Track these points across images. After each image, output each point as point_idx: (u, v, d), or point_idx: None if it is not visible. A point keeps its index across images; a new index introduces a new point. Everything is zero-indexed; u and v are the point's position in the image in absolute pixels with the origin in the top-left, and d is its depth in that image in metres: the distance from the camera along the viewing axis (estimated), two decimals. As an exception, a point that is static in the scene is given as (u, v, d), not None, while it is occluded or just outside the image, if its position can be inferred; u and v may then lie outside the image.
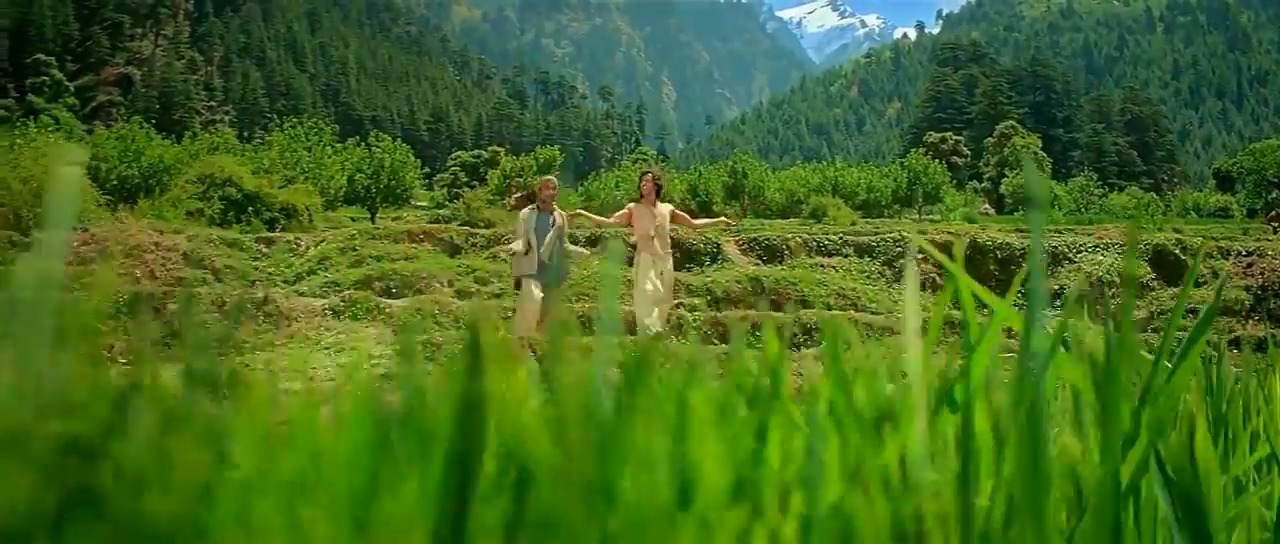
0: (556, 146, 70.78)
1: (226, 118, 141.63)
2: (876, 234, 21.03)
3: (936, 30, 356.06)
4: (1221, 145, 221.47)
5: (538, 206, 12.70)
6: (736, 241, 20.80)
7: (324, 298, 13.90)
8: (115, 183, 36.33)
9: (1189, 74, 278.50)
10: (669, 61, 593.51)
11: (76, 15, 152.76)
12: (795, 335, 14.13)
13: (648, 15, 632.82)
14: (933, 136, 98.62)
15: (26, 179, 24.15)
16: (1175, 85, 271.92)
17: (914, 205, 59.94)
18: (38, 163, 25.45)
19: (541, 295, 12.29)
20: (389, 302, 13.64)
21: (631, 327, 12.75)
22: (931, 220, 50.88)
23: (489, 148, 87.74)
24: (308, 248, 20.56)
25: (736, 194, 55.47)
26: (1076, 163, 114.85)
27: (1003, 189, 77.96)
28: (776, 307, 17.08)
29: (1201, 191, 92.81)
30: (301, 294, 15.03)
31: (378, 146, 47.99)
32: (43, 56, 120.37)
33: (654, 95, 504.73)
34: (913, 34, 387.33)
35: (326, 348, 10.85)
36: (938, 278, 19.47)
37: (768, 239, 21.04)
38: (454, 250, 19.66)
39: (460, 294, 15.80)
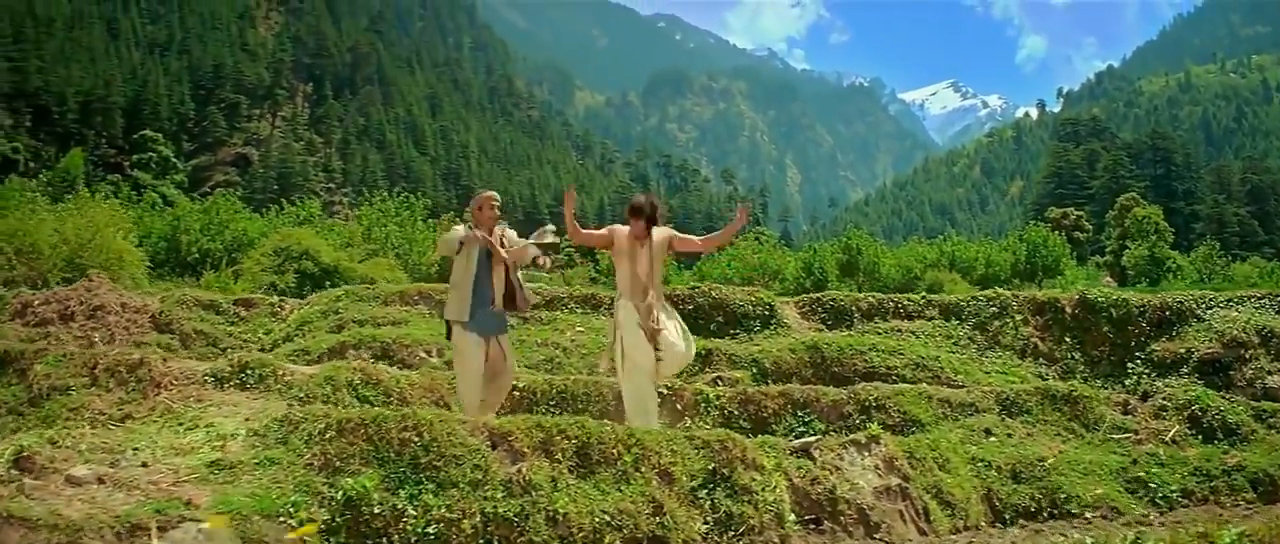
0: (672, 226, 67.27)
1: (345, 199, 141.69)
2: (967, 296, 18.03)
3: (1057, 108, 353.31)
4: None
5: (472, 228, 10.18)
6: (795, 304, 18.33)
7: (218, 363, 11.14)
8: (197, 255, 35.17)
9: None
10: (792, 145, 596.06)
11: (193, 95, 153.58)
12: (854, 414, 11.35)
13: (771, 100, 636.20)
14: (1054, 212, 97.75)
15: (57, 244, 23.61)
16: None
17: (1034, 279, 58.14)
18: (71, 227, 24.78)
19: (479, 349, 9.88)
20: (300, 368, 10.95)
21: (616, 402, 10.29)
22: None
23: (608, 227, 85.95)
24: (291, 312, 18.88)
25: (851, 271, 52.63)
26: (1198, 234, 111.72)
27: (1125, 261, 74.98)
28: (839, 381, 14.01)
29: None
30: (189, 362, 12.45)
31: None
32: (150, 132, 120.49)
33: (778, 178, 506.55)
34: (1034, 113, 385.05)
35: (182, 424, 8.36)
36: (1040, 343, 16.53)
37: (833, 300, 18.24)
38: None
39: (451, 366, 13.06)
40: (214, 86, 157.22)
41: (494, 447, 7.60)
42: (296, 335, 16.87)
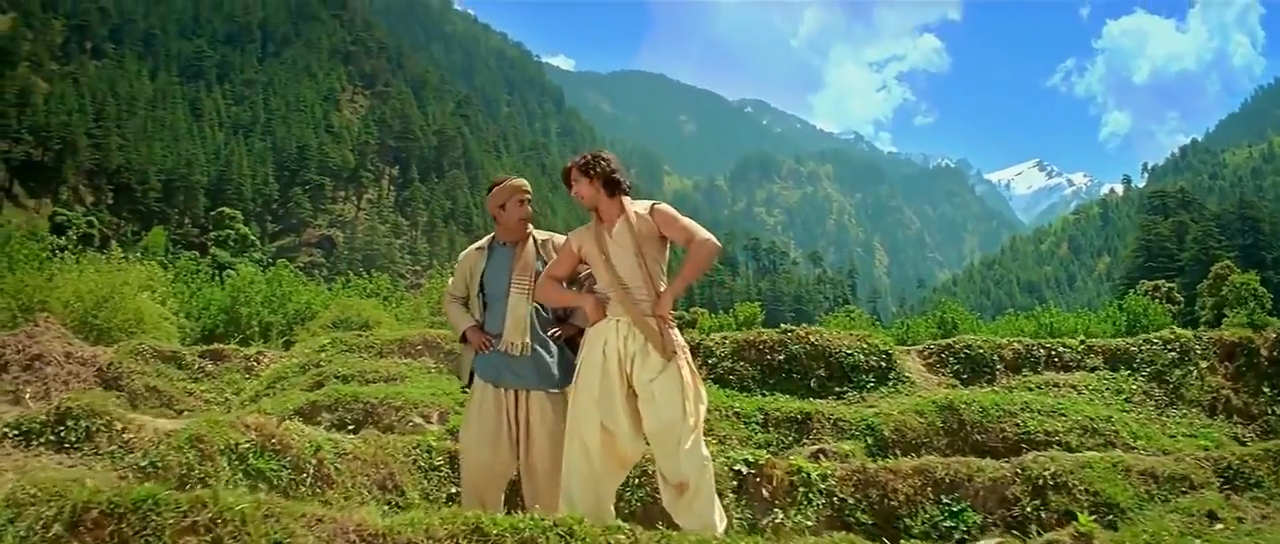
0: (757, 304, 67.30)
1: (428, 281, 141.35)
2: (1138, 339, 14.06)
3: (1142, 183, 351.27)
4: None
5: (494, 238, 6.97)
6: (920, 353, 14.03)
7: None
8: (257, 328, 33.10)
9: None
10: (879, 227, 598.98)
11: (277, 176, 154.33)
12: (1022, 497, 7.85)
13: (858, 182, 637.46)
14: (1145, 285, 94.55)
15: (70, 303, 22.09)
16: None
17: None
18: (85, 283, 23.13)
19: (488, 406, 6.55)
20: (160, 422, 7.48)
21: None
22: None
23: (691, 309, 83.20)
24: (268, 365, 15.87)
25: None
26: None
27: (1223, 331, 70.80)
28: (982, 453, 9.81)
29: None
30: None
31: None
32: (228, 210, 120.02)
33: (865, 260, 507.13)
34: (1119, 189, 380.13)
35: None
36: (1233, 395, 12.78)
37: (969, 349, 14.03)
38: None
39: (454, 440, 9.68)
40: (298, 168, 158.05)
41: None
42: (267, 393, 13.84)
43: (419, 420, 10.95)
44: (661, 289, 6.25)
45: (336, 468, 7.00)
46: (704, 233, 6.24)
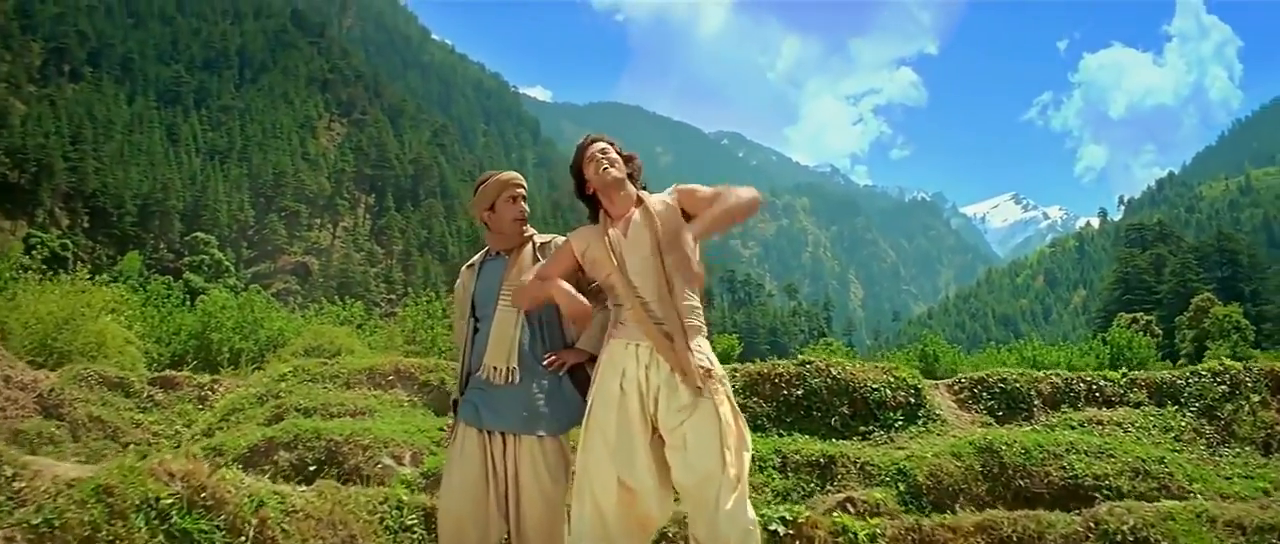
0: (735, 336, 67.07)
1: (402, 309, 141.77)
2: (1184, 371, 12.93)
3: (1118, 216, 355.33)
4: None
5: (487, 251, 5.72)
6: (949, 388, 12.88)
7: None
8: (227, 355, 31.99)
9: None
10: (855, 259, 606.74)
11: (253, 202, 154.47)
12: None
13: (834, 215, 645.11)
14: (1124, 318, 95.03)
15: (30, 324, 21.64)
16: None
17: None
18: (45, 306, 22.59)
19: (470, 453, 5.17)
20: (63, 466, 5.98)
21: None
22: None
23: None
24: (224, 394, 14.52)
25: (930, 376, 48.44)
26: (1266, 334, 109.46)
27: (1206, 361, 71.46)
28: (1026, 498, 8.88)
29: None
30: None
31: None
32: (202, 235, 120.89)
33: (841, 293, 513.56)
34: (1095, 222, 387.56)
35: None
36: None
37: (1003, 383, 12.92)
38: (445, 402, 11.71)
39: (428, 484, 8.36)
40: (274, 194, 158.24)
41: None
42: (220, 426, 12.47)
43: (389, 462, 9.47)
44: (692, 305, 5.00)
45: (283, 529, 5.61)
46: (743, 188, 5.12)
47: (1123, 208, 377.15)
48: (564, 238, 5.50)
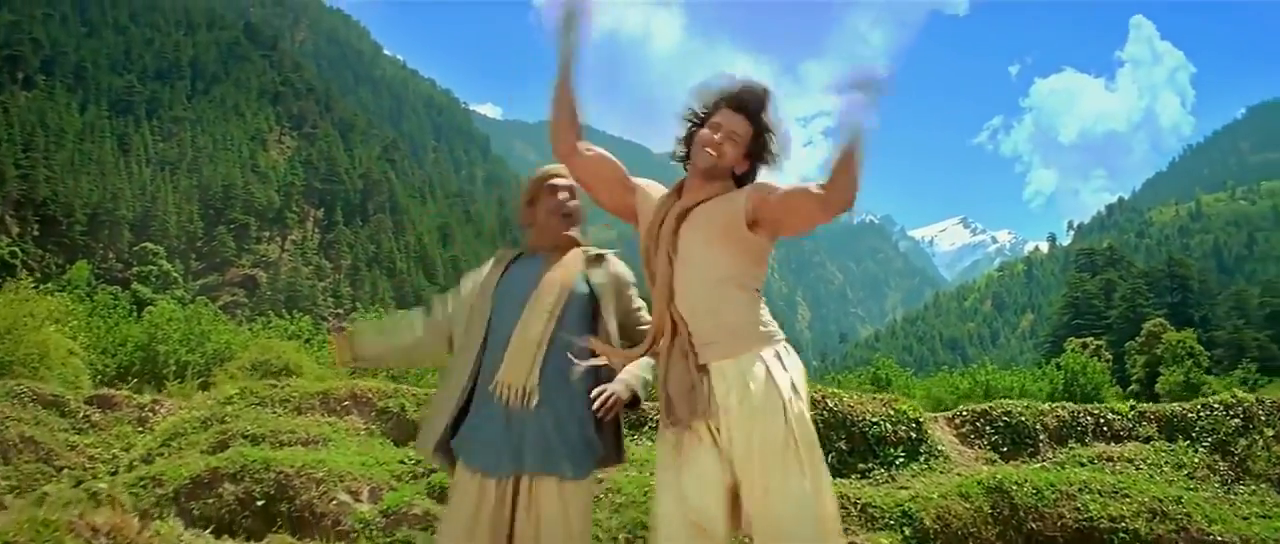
0: None
1: (352, 326, 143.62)
2: (1195, 404, 12.37)
3: (1067, 241, 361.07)
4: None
5: (524, 244, 4.89)
6: (950, 421, 12.20)
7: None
8: (174, 367, 31.38)
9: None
10: (802, 281, 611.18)
11: (202, 214, 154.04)
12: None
13: (782, 238, 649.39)
14: (1074, 342, 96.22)
15: None
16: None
17: None
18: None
19: (474, 498, 4.18)
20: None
21: None
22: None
23: None
24: (166, 416, 13.43)
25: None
26: (1215, 360, 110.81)
27: (1158, 387, 72.91)
28: (1040, 542, 8.41)
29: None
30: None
31: None
32: (151, 245, 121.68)
33: (788, 314, 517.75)
34: (1044, 246, 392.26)
35: None
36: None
37: (1007, 416, 12.05)
38: (406, 431, 11.60)
39: (388, 523, 7.67)
40: (224, 207, 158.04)
41: None
42: (161, 452, 11.55)
43: (345, 498, 8.50)
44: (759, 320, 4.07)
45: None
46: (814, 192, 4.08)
47: (1072, 232, 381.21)
48: (624, 268, 4.79)
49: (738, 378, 3.89)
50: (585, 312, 4.47)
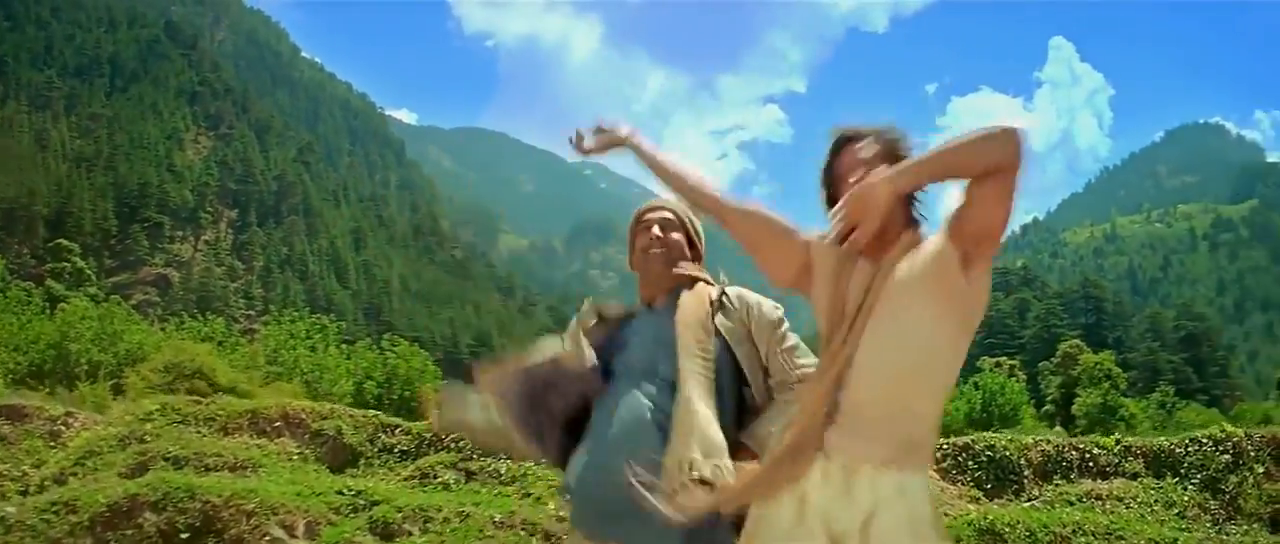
0: None
1: (264, 326, 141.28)
2: (1182, 439, 12.38)
3: None
4: (1266, 357, 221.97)
5: (642, 298, 4.11)
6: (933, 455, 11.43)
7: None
8: (86, 366, 31.70)
9: (1234, 289, 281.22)
10: None
11: (117, 212, 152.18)
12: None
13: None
14: (987, 362, 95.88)
15: None
16: (1219, 302, 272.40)
17: (990, 430, 54.86)
18: None
19: None
20: None
21: None
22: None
23: None
24: (80, 430, 12.86)
25: None
26: (1131, 383, 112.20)
27: (1075, 409, 71.66)
28: None
29: (1269, 401, 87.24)
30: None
31: (393, 352, 41.15)
32: (66, 242, 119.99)
33: None
34: None
35: None
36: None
37: (991, 451, 11.91)
38: (343, 456, 11.34)
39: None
40: (139, 205, 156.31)
41: None
42: (75, 471, 11.07)
43: (279, 533, 7.96)
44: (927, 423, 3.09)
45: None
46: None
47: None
48: (755, 297, 4.04)
49: (896, 501, 2.96)
50: (726, 369, 3.73)
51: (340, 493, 9.04)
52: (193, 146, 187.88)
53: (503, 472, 10.90)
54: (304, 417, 12.58)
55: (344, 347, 43.83)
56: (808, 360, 3.77)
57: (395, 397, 39.67)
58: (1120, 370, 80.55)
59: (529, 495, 10.24)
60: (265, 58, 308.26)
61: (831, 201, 3.28)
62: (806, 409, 3.10)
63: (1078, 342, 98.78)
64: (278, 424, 12.45)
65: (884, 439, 2.98)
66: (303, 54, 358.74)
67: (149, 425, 12.24)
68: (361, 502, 8.90)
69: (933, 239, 3.09)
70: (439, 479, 10.78)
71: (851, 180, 3.15)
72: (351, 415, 12.50)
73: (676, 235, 4.04)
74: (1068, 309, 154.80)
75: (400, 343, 42.57)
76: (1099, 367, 75.90)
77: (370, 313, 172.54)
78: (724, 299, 3.91)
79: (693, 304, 3.80)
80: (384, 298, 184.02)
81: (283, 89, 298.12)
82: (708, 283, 4.01)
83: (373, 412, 13.53)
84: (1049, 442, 12.28)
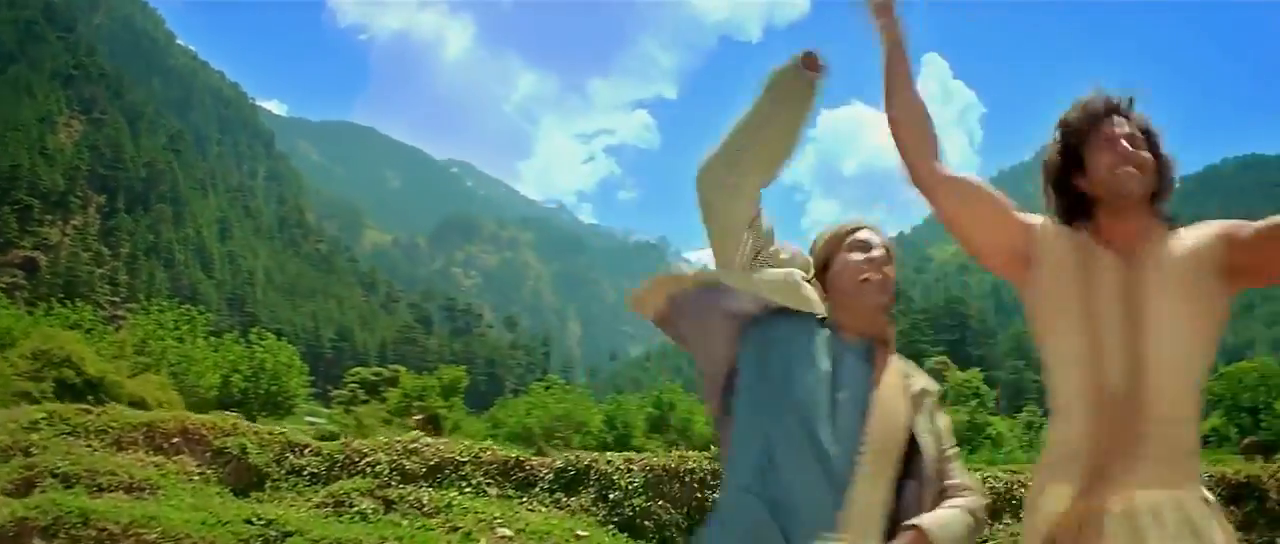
0: (462, 367, 65.44)
1: (129, 314, 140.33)
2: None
3: None
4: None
5: (832, 322, 3.05)
6: None
7: None
8: None
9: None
10: (575, 298, 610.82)
11: None
12: None
13: (557, 252, 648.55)
14: None
15: None
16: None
17: None
18: None
19: None
20: None
21: None
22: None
23: (390, 366, 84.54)
24: None
25: (661, 427, 50.80)
26: (995, 402, 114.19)
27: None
28: None
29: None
30: None
31: (260, 345, 41.83)
32: None
33: (559, 329, 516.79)
34: None
35: None
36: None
37: (984, 481, 11.22)
38: (247, 478, 10.96)
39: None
40: (9, 187, 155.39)
41: None
42: None
43: None
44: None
45: None
46: None
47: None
48: (925, 377, 3.21)
49: (1180, 526, 2.47)
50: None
51: (249, 522, 8.59)
52: (65, 130, 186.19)
53: (425, 502, 10.53)
54: (205, 432, 12.03)
55: (211, 339, 43.96)
56: (964, 483, 3.10)
57: (262, 391, 40.03)
58: (989, 388, 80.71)
59: (457, 529, 9.83)
60: (142, 44, 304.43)
61: (1066, 159, 3.09)
62: (1079, 418, 2.67)
63: (944, 359, 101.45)
64: (176, 440, 11.86)
65: (1157, 455, 2.55)
66: (178, 41, 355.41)
67: (35, 436, 11.56)
68: (273, 533, 8.54)
69: (1191, 234, 2.76)
70: (355, 507, 10.50)
71: (1129, 148, 2.82)
72: (256, 432, 11.99)
73: (892, 271, 3.20)
74: (933, 326, 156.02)
75: (267, 336, 43.33)
76: (967, 385, 74.93)
77: (234, 303, 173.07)
78: (925, 397, 3.08)
79: (892, 392, 2.99)
80: (248, 289, 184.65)
81: (157, 75, 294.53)
82: (910, 386, 3.08)
83: (279, 430, 13.00)
84: (1006, 469, 12.04)
